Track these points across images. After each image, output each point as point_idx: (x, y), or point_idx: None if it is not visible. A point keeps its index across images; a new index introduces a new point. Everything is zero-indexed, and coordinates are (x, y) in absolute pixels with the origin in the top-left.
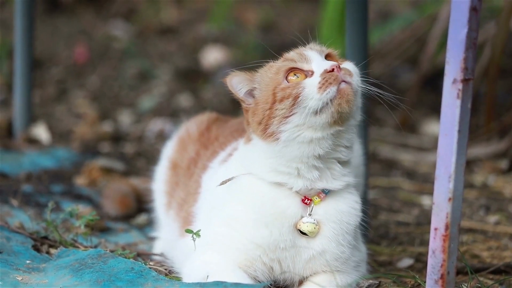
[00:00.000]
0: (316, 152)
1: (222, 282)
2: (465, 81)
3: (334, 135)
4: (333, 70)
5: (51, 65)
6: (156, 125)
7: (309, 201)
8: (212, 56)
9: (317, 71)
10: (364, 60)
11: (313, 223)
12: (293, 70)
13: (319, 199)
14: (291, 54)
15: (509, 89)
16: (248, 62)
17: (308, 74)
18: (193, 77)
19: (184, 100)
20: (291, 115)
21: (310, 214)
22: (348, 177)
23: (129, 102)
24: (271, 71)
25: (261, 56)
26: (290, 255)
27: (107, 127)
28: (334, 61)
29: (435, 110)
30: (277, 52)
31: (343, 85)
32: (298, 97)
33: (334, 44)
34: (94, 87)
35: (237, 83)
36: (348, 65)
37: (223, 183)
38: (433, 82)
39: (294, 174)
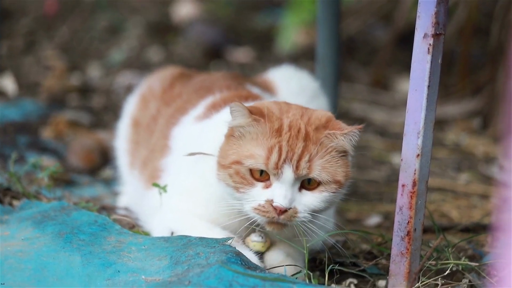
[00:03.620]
0: None
1: (186, 236)
2: (436, 36)
3: None
4: (275, 209)
5: (20, 17)
6: (125, 78)
7: None
8: (184, 10)
9: (271, 191)
10: (336, 19)
11: (261, 241)
12: (261, 171)
13: None
14: (273, 160)
15: (484, 48)
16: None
17: (267, 184)
18: (164, 31)
19: (155, 53)
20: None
21: (258, 230)
22: None
23: (99, 55)
24: (257, 138)
25: (234, 11)
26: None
27: (75, 80)
28: (308, 189)
29: (409, 67)
30: (251, 7)
31: (279, 220)
32: (243, 191)
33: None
34: (64, 39)
35: (238, 115)
36: (305, 203)
37: (191, 154)
38: (408, 39)
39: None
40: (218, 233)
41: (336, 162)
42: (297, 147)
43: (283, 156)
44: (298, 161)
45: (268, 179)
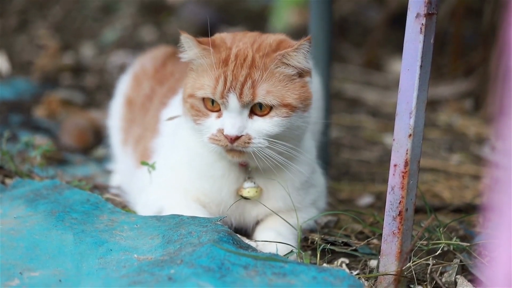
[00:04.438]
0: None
1: (178, 215)
2: (428, 15)
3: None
4: (226, 137)
5: None
6: (118, 57)
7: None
8: None
9: (222, 121)
10: (327, 5)
11: (254, 187)
12: (212, 100)
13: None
14: (219, 89)
15: (476, 29)
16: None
17: (219, 114)
18: (157, 10)
19: (148, 33)
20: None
21: (249, 177)
22: None
23: (92, 34)
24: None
25: None
26: (238, 212)
27: (68, 59)
28: (259, 115)
29: (402, 48)
30: None
31: (233, 147)
32: (200, 123)
33: None
34: (57, 18)
35: (187, 46)
36: (257, 128)
37: (170, 119)
38: (400, 20)
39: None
40: (200, 212)
41: (285, 86)
42: (241, 74)
43: (228, 85)
44: (241, 88)
45: (220, 109)
